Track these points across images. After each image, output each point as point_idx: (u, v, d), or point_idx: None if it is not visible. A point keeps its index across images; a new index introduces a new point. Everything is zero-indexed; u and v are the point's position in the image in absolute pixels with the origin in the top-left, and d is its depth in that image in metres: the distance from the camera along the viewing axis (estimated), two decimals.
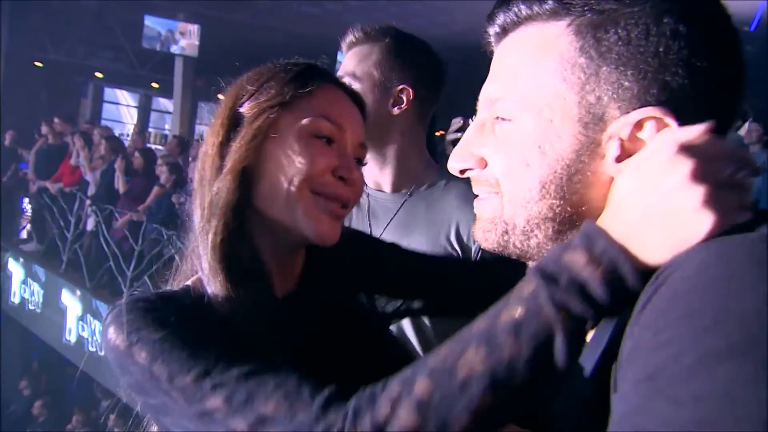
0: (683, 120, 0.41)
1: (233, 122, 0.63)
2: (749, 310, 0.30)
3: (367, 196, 1.06)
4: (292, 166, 0.61)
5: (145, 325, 0.55)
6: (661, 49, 0.41)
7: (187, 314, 0.57)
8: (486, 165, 0.49)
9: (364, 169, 1.06)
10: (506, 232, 0.48)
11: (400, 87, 1.01)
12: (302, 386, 0.49)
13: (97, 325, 5.34)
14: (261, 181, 0.62)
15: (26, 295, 6.51)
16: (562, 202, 0.44)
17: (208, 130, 0.66)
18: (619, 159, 0.43)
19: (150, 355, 0.53)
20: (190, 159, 5.45)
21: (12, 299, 6.78)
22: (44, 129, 6.49)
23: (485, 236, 0.50)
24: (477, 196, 0.52)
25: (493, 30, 0.49)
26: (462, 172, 0.51)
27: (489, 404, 0.40)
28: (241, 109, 0.64)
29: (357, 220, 1.05)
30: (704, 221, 0.36)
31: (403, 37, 1.05)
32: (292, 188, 0.61)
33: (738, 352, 0.29)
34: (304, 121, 0.62)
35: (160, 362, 0.52)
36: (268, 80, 0.65)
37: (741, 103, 0.45)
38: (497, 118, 0.47)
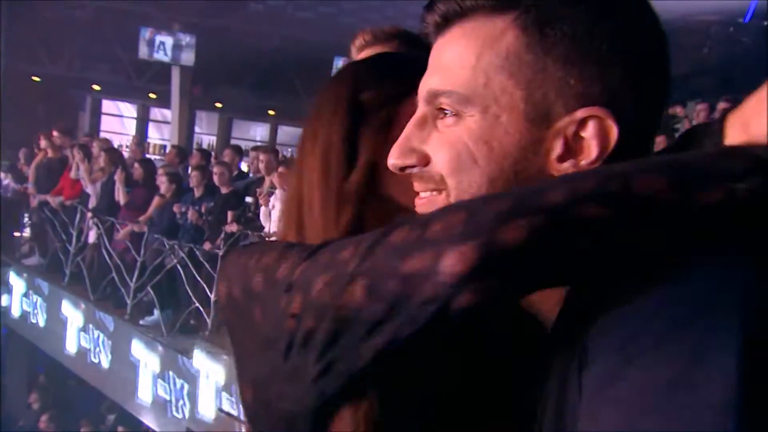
0: (623, 119, 0.42)
1: (355, 112, 0.61)
2: None
3: None
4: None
5: None
6: (603, 49, 0.42)
7: None
8: (428, 162, 0.47)
9: None
10: None
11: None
12: None
13: (100, 336, 5.34)
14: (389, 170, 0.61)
15: (28, 309, 6.51)
16: None
17: (319, 122, 0.62)
18: (561, 157, 0.43)
19: None
20: (189, 168, 5.46)
21: (13, 313, 6.78)
22: (43, 143, 6.49)
23: None
24: (417, 194, 0.50)
25: (432, 19, 0.47)
26: (402, 169, 0.49)
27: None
28: (362, 98, 0.61)
29: None
30: None
31: (413, 39, 1.05)
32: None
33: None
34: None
35: None
36: (389, 69, 0.63)
37: (669, 92, 0.46)
38: (440, 110, 0.46)
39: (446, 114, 0.45)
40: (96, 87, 12.41)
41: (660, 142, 3.74)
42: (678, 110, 7.06)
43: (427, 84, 0.47)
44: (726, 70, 7.02)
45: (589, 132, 0.42)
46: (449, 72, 0.45)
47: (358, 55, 1.04)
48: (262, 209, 4.19)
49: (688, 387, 0.32)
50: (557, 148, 0.43)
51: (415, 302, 0.39)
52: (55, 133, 6.62)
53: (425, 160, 0.47)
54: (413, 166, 0.47)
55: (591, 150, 0.42)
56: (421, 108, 0.47)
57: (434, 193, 0.47)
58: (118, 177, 5.37)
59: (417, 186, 0.49)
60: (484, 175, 0.44)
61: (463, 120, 0.44)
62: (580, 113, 0.42)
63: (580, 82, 0.41)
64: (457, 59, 0.44)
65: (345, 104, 0.61)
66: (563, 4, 0.42)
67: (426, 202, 0.48)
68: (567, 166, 0.43)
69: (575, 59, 0.41)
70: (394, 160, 0.48)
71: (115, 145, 8.67)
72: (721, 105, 4.32)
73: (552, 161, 0.43)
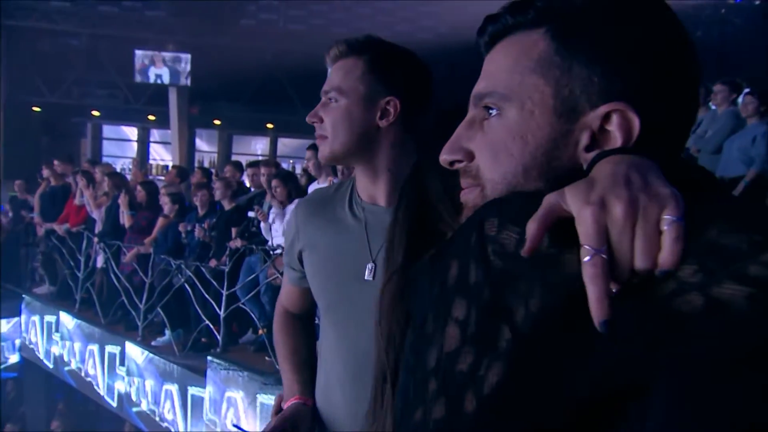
0: (645, 113, 0.47)
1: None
2: None
3: (363, 210, 1.06)
4: None
5: None
6: (622, 51, 0.48)
7: None
8: (473, 158, 0.54)
9: (359, 184, 1.06)
10: None
11: (387, 99, 1.01)
12: None
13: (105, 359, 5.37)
14: None
15: (43, 339, 6.55)
16: (546, 183, 0.50)
17: None
18: (588, 148, 0.49)
19: None
20: (192, 187, 5.49)
21: (29, 344, 6.83)
22: (45, 172, 6.57)
23: None
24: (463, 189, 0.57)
25: (483, 41, 0.56)
26: (451, 164, 0.56)
27: None
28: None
29: (355, 235, 1.04)
30: None
31: (387, 48, 1.04)
32: None
33: None
34: None
35: None
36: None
37: (698, 95, 0.51)
38: (485, 108, 0.53)
39: (490, 114, 0.52)
40: (95, 113, 12.55)
41: None
42: None
43: (475, 90, 0.54)
44: (721, 52, 6.99)
45: (613, 124, 0.47)
46: (492, 77, 0.53)
47: (332, 66, 1.05)
48: (263, 224, 4.21)
49: None
50: (584, 139, 0.49)
51: None
52: (56, 162, 6.70)
53: (470, 157, 0.54)
54: (461, 161, 0.54)
55: (616, 141, 0.47)
56: (471, 111, 0.55)
57: (475, 186, 0.54)
58: (122, 200, 5.41)
59: (462, 180, 0.56)
60: (519, 165, 0.50)
61: (504, 116, 0.51)
62: (604, 108, 0.47)
63: (603, 80, 0.48)
64: (498, 66, 0.53)
65: None
66: (587, 16, 0.49)
67: (466, 194, 0.55)
68: (594, 155, 0.48)
69: (598, 60, 0.48)
70: (444, 155, 0.55)
71: (118, 169, 8.77)
72: (718, 87, 4.29)
73: (580, 151, 0.49)
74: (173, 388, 4.74)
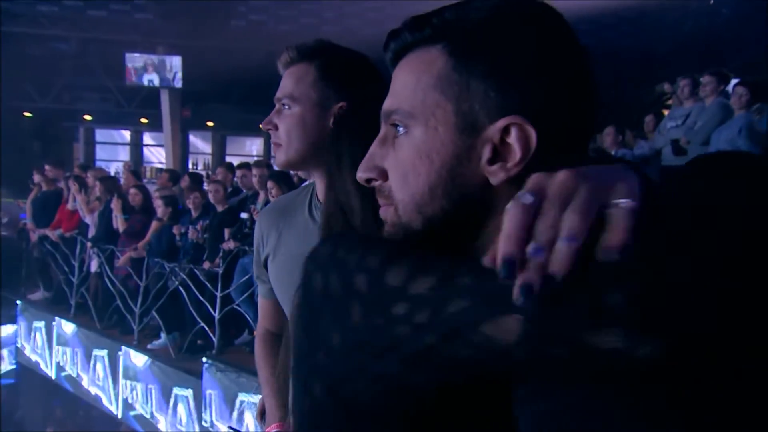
0: (542, 125, 0.49)
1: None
2: None
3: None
4: None
5: None
6: (517, 66, 0.49)
7: None
8: (386, 177, 0.55)
9: (318, 189, 1.06)
10: (408, 236, 0.54)
11: (339, 104, 1.01)
12: None
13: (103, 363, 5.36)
14: None
15: (39, 345, 6.54)
16: (449, 201, 0.51)
17: None
18: (491, 161, 0.50)
19: None
20: (184, 189, 5.48)
21: (25, 350, 6.81)
22: (37, 177, 6.54)
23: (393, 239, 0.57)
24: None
25: (388, 56, 0.57)
26: (368, 182, 0.57)
27: None
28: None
29: (315, 239, 1.04)
30: None
31: (339, 53, 1.04)
32: None
33: None
34: None
35: None
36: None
37: (595, 104, 0.52)
38: (394, 126, 0.54)
39: (399, 131, 0.53)
40: (87, 117, 12.49)
41: (649, 120, 3.69)
42: (666, 87, 7.03)
43: (384, 106, 0.55)
44: (709, 43, 7.01)
45: (512, 138, 0.49)
46: (398, 94, 0.54)
47: (284, 72, 1.05)
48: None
49: None
50: (486, 152, 0.50)
51: None
52: (47, 167, 6.67)
53: (384, 175, 0.55)
54: (375, 180, 0.56)
55: (516, 153, 0.49)
56: (382, 127, 0.56)
57: (388, 206, 0.56)
58: (114, 205, 5.40)
59: (378, 198, 0.57)
60: (426, 185, 0.52)
61: (411, 134, 0.52)
62: (502, 122, 0.49)
63: (499, 95, 0.49)
64: (402, 83, 0.54)
65: None
66: (481, 31, 0.50)
67: (384, 212, 0.57)
68: (496, 169, 0.50)
69: (493, 75, 0.49)
70: (360, 173, 0.57)
71: (112, 172, 8.74)
72: (706, 78, 4.31)
73: (483, 165, 0.50)
74: (170, 391, 4.74)
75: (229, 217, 4.57)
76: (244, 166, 5.11)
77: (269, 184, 4.09)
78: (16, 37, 10.28)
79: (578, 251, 0.37)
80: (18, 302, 6.84)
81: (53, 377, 6.33)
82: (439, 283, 0.42)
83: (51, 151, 10.94)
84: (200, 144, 13.54)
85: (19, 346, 6.91)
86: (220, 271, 4.33)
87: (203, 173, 6.80)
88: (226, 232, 4.45)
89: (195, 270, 4.52)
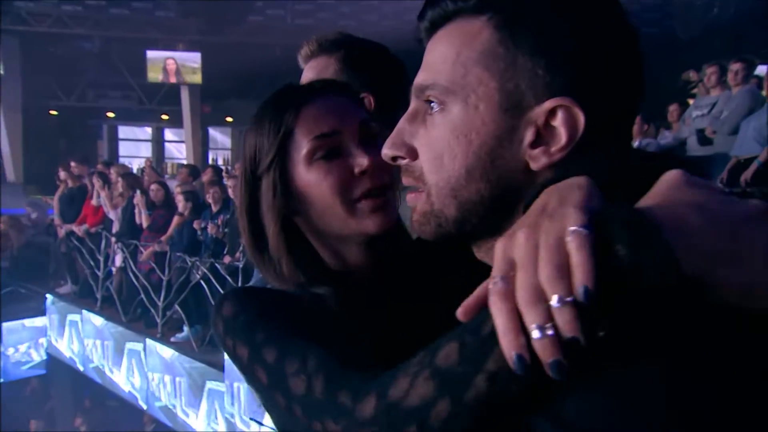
0: (590, 107, 0.45)
1: (253, 185, 0.69)
2: None
3: None
4: (318, 195, 0.66)
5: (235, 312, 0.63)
6: (568, 43, 0.45)
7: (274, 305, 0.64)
8: (416, 156, 0.51)
9: None
10: (440, 225, 0.51)
11: (361, 96, 1.01)
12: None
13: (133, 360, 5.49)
14: (307, 211, 0.68)
15: (68, 337, 6.73)
16: (487, 185, 0.48)
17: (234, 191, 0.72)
18: (533, 145, 0.46)
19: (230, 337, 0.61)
20: (205, 183, 5.55)
21: (54, 342, 7.02)
22: (62, 174, 6.69)
23: (421, 229, 0.53)
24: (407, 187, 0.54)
25: (423, 26, 0.52)
26: (393, 160, 0.53)
27: None
28: (259, 171, 0.68)
29: None
30: None
31: (359, 45, 1.03)
32: (333, 210, 0.65)
33: None
34: (302, 154, 0.66)
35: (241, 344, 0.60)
36: (260, 136, 0.69)
37: (642, 87, 0.48)
38: (428, 102, 0.50)
39: (432, 108, 0.49)
40: (110, 114, 12.73)
41: (674, 109, 3.58)
42: (692, 74, 6.83)
43: (416, 81, 0.51)
44: (736, 30, 6.79)
45: (558, 120, 0.45)
46: (434, 68, 0.49)
47: (305, 66, 1.04)
48: None
49: None
50: (529, 135, 0.46)
51: None
52: (72, 164, 6.82)
53: (413, 155, 0.51)
54: (403, 158, 0.52)
55: (561, 137, 0.45)
56: (412, 103, 0.51)
57: (419, 191, 0.52)
58: (139, 201, 5.49)
59: (404, 179, 0.54)
60: (462, 166, 0.48)
61: (447, 111, 0.48)
62: (549, 103, 0.45)
63: (548, 73, 0.45)
64: (440, 56, 0.49)
65: (243, 181, 0.72)
66: (531, 4, 0.46)
67: (413, 198, 0.53)
68: (538, 153, 0.46)
69: (542, 52, 0.45)
70: (386, 150, 0.53)
71: (135, 169, 8.91)
72: (734, 66, 4.17)
73: (525, 148, 0.46)
74: (193, 382, 4.83)
75: None
76: None
77: None
78: (41, 37, 10.52)
79: (574, 304, 0.34)
80: (47, 296, 7.04)
81: (81, 369, 6.51)
82: None
83: (76, 148, 11.18)
84: (220, 139, 13.70)
85: (48, 338, 7.12)
86: (240, 265, 4.38)
87: (222, 168, 6.86)
88: None
89: (216, 264, 4.58)
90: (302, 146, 0.66)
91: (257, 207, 0.68)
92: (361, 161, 0.65)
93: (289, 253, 0.66)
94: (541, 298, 0.35)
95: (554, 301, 0.34)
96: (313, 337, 0.56)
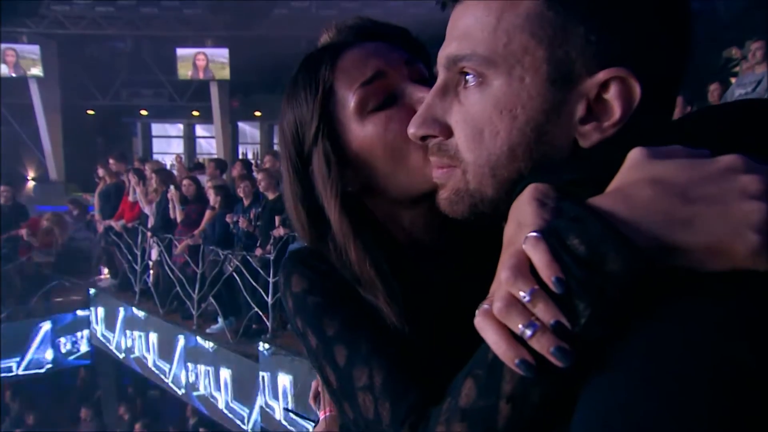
0: (644, 78, 0.41)
1: (301, 170, 0.62)
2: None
3: None
4: (382, 151, 0.57)
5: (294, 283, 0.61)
6: (623, 7, 0.41)
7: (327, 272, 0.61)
8: (450, 134, 0.47)
9: None
10: (475, 204, 0.47)
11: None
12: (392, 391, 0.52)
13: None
14: (372, 176, 0.59)
15: (110, 329, 6.99)
16: (529, 163, 0.44)
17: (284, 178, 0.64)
18: (584, 119, 0.42)
19: (294, 310, 0.60)
20: (235, 178, 5.62)
21: (98, 334, 7.31)
22: (101, 171, 6.91)
23: (452, 208, 0.49)
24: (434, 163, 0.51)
25: None
26: (423, 139, 0.49)
27: None
28: (305, 150, 0.60)
29: None
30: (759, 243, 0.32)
31: (377, 28, 1.00)
32: (405, 163, 0.57)
33: None
34: (351, 109, 0.58)
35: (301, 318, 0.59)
36: (297, 108, 0.61)
37: (691, 50, 0.44)
38: (462, 74, 0.45)
39: (468, 81, 0.44)
40: (144, 112, 13.06)
41: (714, 89, 3.40)
42: (734, 51, 6.48)
43: (445, 51, 0.46)
44: None
45: (612, 93, 0.41)
46: (469, 36, 0.44)
47: None
48: None
49: None
50: (580, 110, 0.42)
51: None
52: (111, 161, 7.04)
53: (447, 132, 0.47)
54: (435, 137, 0.48)
55: (614, 111, 0.41)
56: (442, 75, 0.47)
57: (452, 168, 0.48)
58: (173, 196, 5.61)
59: (433, 158, 0.49)
60: (505, 145, 0.43)
61: (488, 86, 0.43)
62: (603, 74, 0.41)
63: (601, 40, 0.41)
64: (476, 23, 0.44)
65: (289, 166, 0.65)
66: None
67: (444, 174, 0.49)
68: (589, 129, 0.42)
69: (595, 18, 0.41)
70: (414, 129, 0.49)
71: (168, 165, 9.12)
72: None
73: (575, 124, 0.42)
74: (228, 373, 4.94)
75: (279, 204, 4.65)
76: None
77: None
78: (77, 38, 10.85)
79: (543, 292, 0.34)
80: (90, 289, 7.32)
81: (123, 359, 6.76)
82: None
83: (113, 146, 11.54)
84: (249, 134, 13.88)
85: (92, 329, 7.42)
86: (272, 257, 4.43)
87: (252, 162, 6.96)
88: (277, 219, 4.54)
89: (248, 257, 4.65)
90: (348, 100, 0.58)
91: (312, 191, 0.60)
92: (422, 96, 0.55)
93: (356, 236, 0.58)
94: (514, 302, 0.35)
95: (524, 296, 0.35)
96: (378, 319, 0.56)
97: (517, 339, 0.36)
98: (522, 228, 0.38)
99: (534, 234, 0.35)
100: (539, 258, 0.35)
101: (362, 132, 0.58)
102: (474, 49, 0.43)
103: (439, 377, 0.48)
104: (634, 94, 0.41)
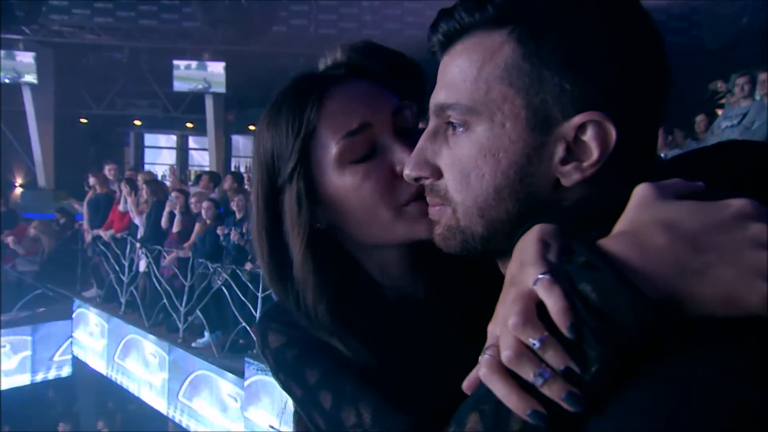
0: (621, 120, 0.43)
1: (271, 198, 0.61)
2: None
3: None
4: (356, 202, 0.58)
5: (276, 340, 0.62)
6: (596, 54, 0.43)
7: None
8: (440, 175, 0.50)
9: None
10: (466, 240, 0.49)
11: (404, 103, 0.99)
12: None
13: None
14: (342, 222, 0.60)
15: (92, 340, 6.86)
16: (516, 203, 0.46)
17: (252, 209, 0.63)
18: (564, 161, 0.45)
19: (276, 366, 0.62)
20: (228, 191, 5.61)
21: (80, 346, 7.16)
22: (92, 180, 6.87)
23: (445, 243, 0.51)
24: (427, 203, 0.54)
25: (436, 39, 0.49)
26: (417, 180, 0.52)
27: None
28: (279, 182, 0.60)
29: None
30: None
31: (378, 52, 1.02)
32: (377, 217, 0.57)
33: None
34: (332, 157, 0.57)
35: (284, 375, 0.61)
36: (277, 137, 0.60)
37: (668, 93, 0.47)
38: (450, 124, 0.48)
39: (455, 127, 0.48)
40: (137, 122, 13.02)
41: (701, 120, 3.51)
42: (719, 84, 6.68)
43: (435, 98, 0.49)
44: (765, 39, 6.62)
45: (589, 135, 0.44)
46: (454, 86, 0.47)
47: None
48: None
49: None
50: (560, 151, 0.44)
51: None
52: (107, 167, 7.01)
53: (438, 174, 0.50)
54: (427, 178, 0.51)
55: (593, 152, 0.44)
56: (433, 121, 0.50)
57: (443, 207, 0.51)
58: (177, 203, 5.53)
59: (428, 198, 0.53)
60: (491, 186, 0.46)
61: (473, 131, 0.47)
62: (578, 118, 0.43)
63: (576, 87, 0.43)
64: (460, 73, 0.47)
65: (262, 196, 0.65)
66: (554, 16, 0.44)
67: (437, 212, 0.52)
68: (569, 169, 0.44)
69: (569, 65, 0.43)
70: (408, 170, 0.52)
71: (159, 176, 9.08)
72: (763, 76, 4.06)
73: (555, 165, 0.45)
74: (213, 388, 4.87)
75: None
76: None
77: None
78: (74, 48, 10.86)
79: (554, 339, 0.35)
80: (74, 300, 7.20)
81: (104, 372, 6.62)
82: None
83: (105, 155, 11.46)
84: (242, 147, 13.89)
85: (74, 340, 7.27)
86: (261, 272, 4.41)
87: (245, 176, 6.97)
88: None
89: (237, 271, 4.63)
90: (329, 147, 0.57)
91: (279, 224, 0.60)
92: (402, 157, 0.56)
93: (316, 276, 0.58)
94: (524, 351, 0.36)
95: (534, 343, 0.35)
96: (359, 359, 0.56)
97: (526, 388, 0.36)
98: (525, 267, 0.39)
99: (547, 277, 0.36)
100: (554, 302, 0.35)
101: (339, 180, 0.58)
102: (458, 99, 0.47)
103: (428, 404, 0.49)
104: (610, 136, 0.43)
